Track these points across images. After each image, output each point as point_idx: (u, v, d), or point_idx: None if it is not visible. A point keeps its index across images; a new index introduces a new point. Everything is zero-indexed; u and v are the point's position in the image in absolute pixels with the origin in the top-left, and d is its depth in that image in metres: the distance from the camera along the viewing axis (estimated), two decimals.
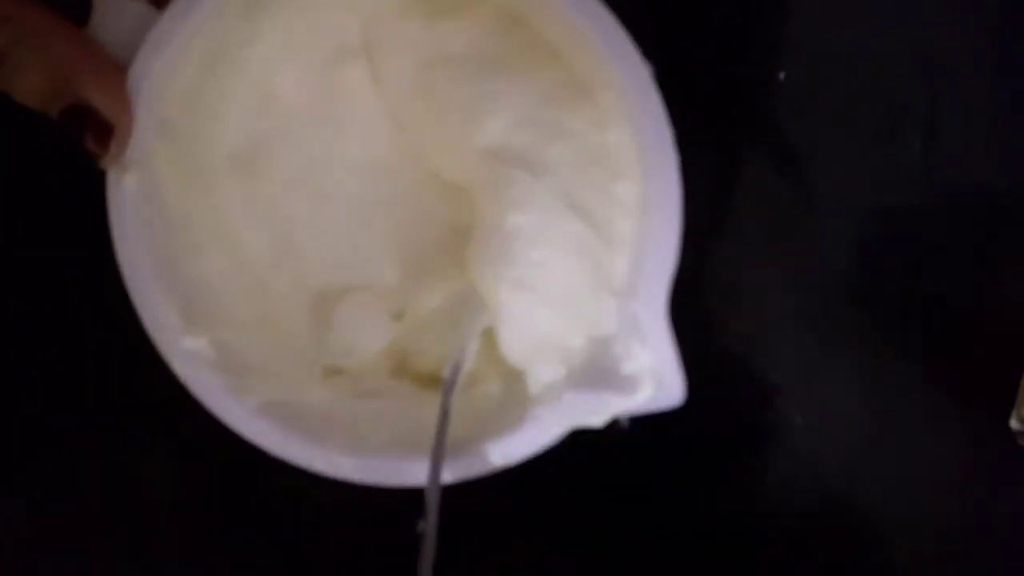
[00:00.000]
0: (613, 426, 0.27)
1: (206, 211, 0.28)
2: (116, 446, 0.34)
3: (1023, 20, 0.33)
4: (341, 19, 0.28)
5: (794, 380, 0.34)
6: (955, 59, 0.33)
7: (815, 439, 0.34)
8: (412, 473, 0.28)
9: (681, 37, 0.33)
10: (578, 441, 0.28)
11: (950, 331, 0.34)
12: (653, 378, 0.27)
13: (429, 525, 0.26)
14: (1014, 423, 0.32)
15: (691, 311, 0.33)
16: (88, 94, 0.25)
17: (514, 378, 0.29)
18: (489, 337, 0.29)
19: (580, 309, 0.29)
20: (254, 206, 0.29)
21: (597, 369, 0.28)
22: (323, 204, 0.29)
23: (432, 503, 0.26)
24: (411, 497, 0.27)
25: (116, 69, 0.26)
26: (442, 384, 0.28)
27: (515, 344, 0.29)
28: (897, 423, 0.34)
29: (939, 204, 0.34)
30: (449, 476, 0.28)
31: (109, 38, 0.26)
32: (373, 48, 0.28)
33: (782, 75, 0.34)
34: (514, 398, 0.29)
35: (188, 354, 0.27)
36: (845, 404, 0.34)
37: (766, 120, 0.34)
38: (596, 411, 0.27)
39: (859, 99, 0.34)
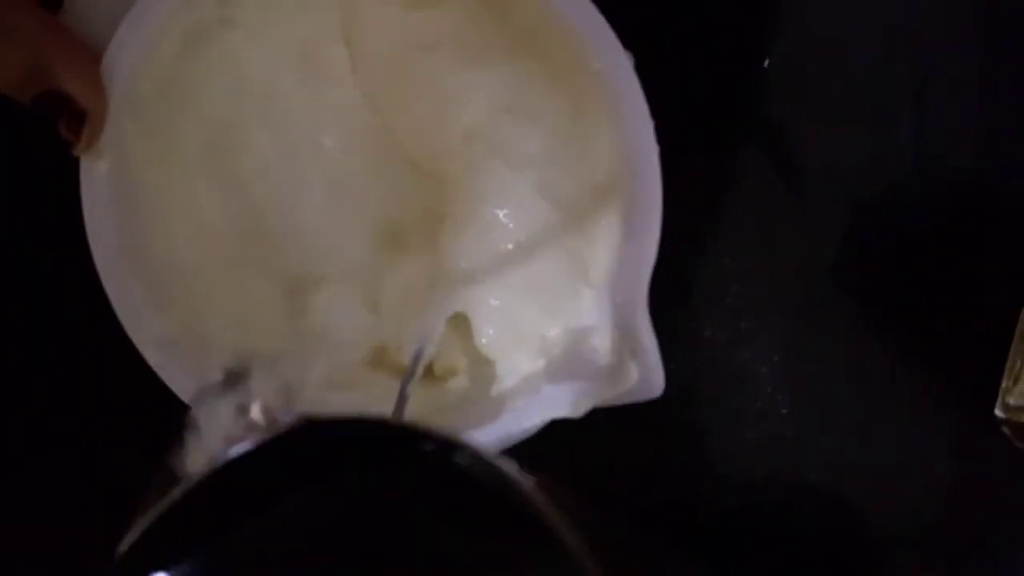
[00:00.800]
0: (592, 415, 0.27)
1: (178, 195, 0.28)
2: (89, 434, 0.34)
3: (1010, 5, 0.33)
4: (320, 4, 0.28)
5: (780, 370, 0.34)
6: (943, 46, 0.33)
7: (801, 429, 0.34)
8: None
9: (665, 25, 0.33)
10: (556, 432, 0.27)
11: (937, 320, 0.34)
12: (632, 369, 0.27)
13: None
14: (999, 411, 0.32)
15: (677, 301, 0.33)
16: (62, 81, 0.25)
17: (489, 369, 0.29)
18: (464, 329, 0.29)
19: (557, 300, 0.28)
20: (226, 191, 0.28)
21: (576, 360, 0.28)
22: (295, 189, 0.29)
23: None
24: None
25: (90, 56, 0.26)
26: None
27: (491, 335, 0.29)
28: (883, 412, 0.34)
29: (926, 193, 0.34)
30: None
31: (84, 21, 0.26)
32: (352, 33, 0.28)
33: (767, 62, 0.33)
34: (489, 389, 0.28)
35: (157, 340, 0.27)
36: (832, 393, 0.34)
37: (751, 108, 0.34)
38: (575, 402, 0.27)
39: (846, 86, 0.34)
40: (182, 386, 0.27)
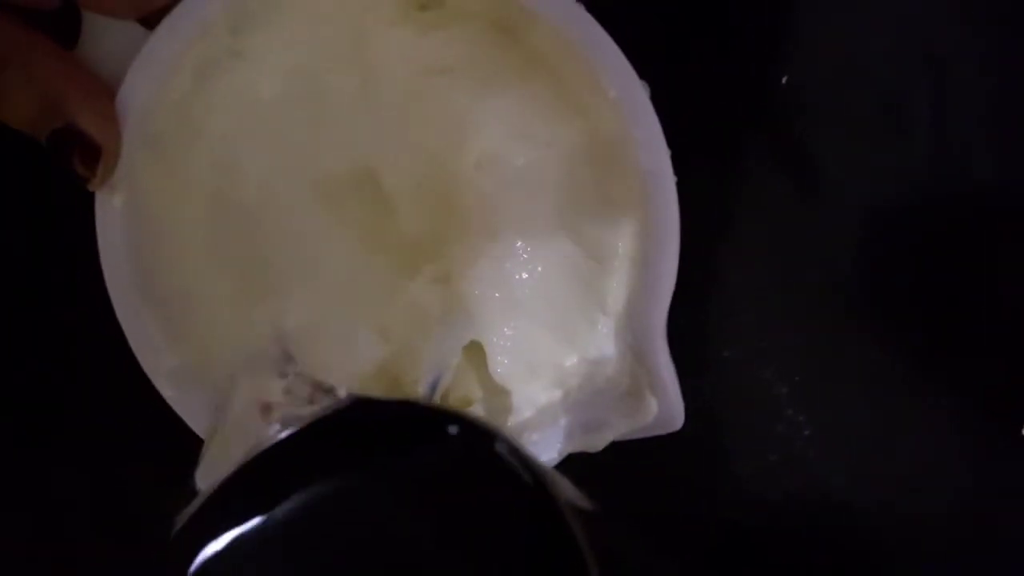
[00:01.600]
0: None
1: (192, 227, 0.28)
2: (102, 465, 0.34)
3: None
4: (329, 32, 0.28)
5: (800, 390, 0.34)
6: (957, 59, 0.33)
7: (823, 450, 0.34)
8: None
9: (682, 44, 0.33)
10: (576, 453, 0.27)
11: (958, 334, 0.33)
12: (652, 403, 0.26)
13: None
14: None
15: (693, 322, 0.33)
16: (76, 116, 0.25)
17: (505, 400, 0.28)
18: (478, 358, 0.29)
19: (573, 330, 0.28)
20: (238, 222, 0.28)
21: (594, 392, 0.27)
22: (306, 220, 0.28)
23: None
24: None
25: (104, 91, 0.26)
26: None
27: (506, 364, 0.28)
28: (906, 430, 0.34)
29: (944, 205, 0.33)
30: None
31: (98, 58, 0.26)
32: (363, 57, 0.28)
33: (784, 79, 0.33)
34: (505, 420, 0.28)
35: (172, 373, 0.27)
36: (853, 413, 0.34)
37: (769, 124, 0.33)
38: (594, 436, 0.27)
39: (862, 101, 0.33)
40: (196, 419, 0.27)
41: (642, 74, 0.26)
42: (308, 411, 0.21)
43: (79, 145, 0.25)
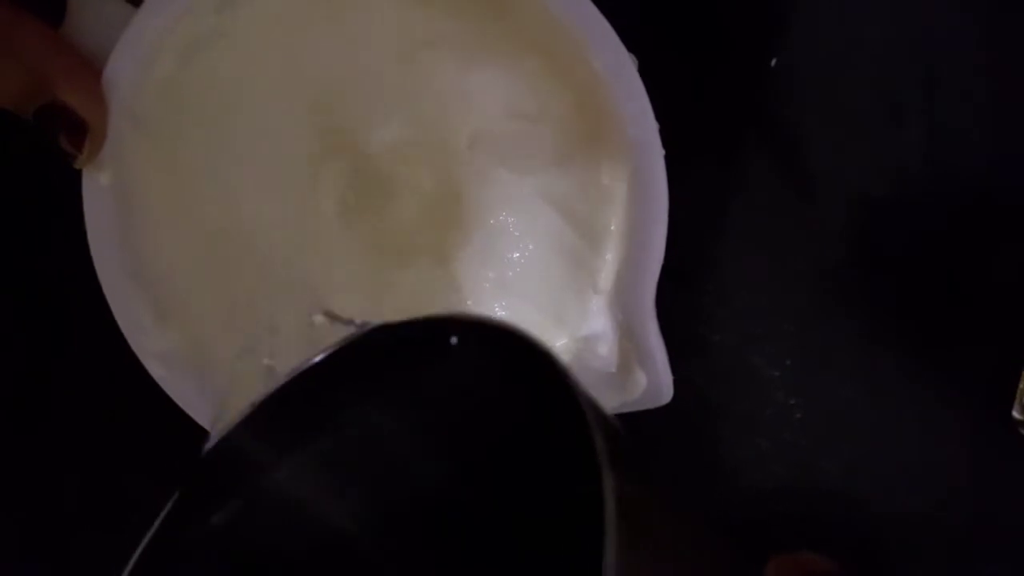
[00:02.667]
0: None
1: (180, 207, 0.28)
2: (91, 445, 0.34)
3: (1021, 5, 0.33)
4: (315, 9, 0.28)
5: (792, 375, 0.34)
6: (951, 46, 0.33)
7: (815, 435, 0.34)
8: None
9: (671, 26, 0.33)
10: None
11: (950, 322, 0.33)
12: (641, 376, 0.26)
13: None
14: (1016, 413, 0.32)
15: (685, 306, 0.33)
16: (63, 93, 0.25)
17: None
18: None
19: (564, 308, 0.28)
20: (228, 202, 0.28)
21: (584, 368, 0.27)
22: (296, 200, 0.29)
23: None
24: None
25: (90, 69, 0.26)
26: None
27: None
28: (898, 416, 0.34)
29: (936, 193, 0.33)
30: None
31: (85, 35, 0.26)
32: (349, 34, 0.28)
33: (774, 61, 0.33)
34: None
35: (161, 353, 0.27)
36: (845, 399, 0.34)
37: (759, 109, 0.33)
38: None
39: (853, 87, 0.33)
40: (186, 399, 0.27)
41: (631, 50, 0.26)
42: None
43: (65, 121, 0.25)
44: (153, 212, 0.28)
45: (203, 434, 0.27)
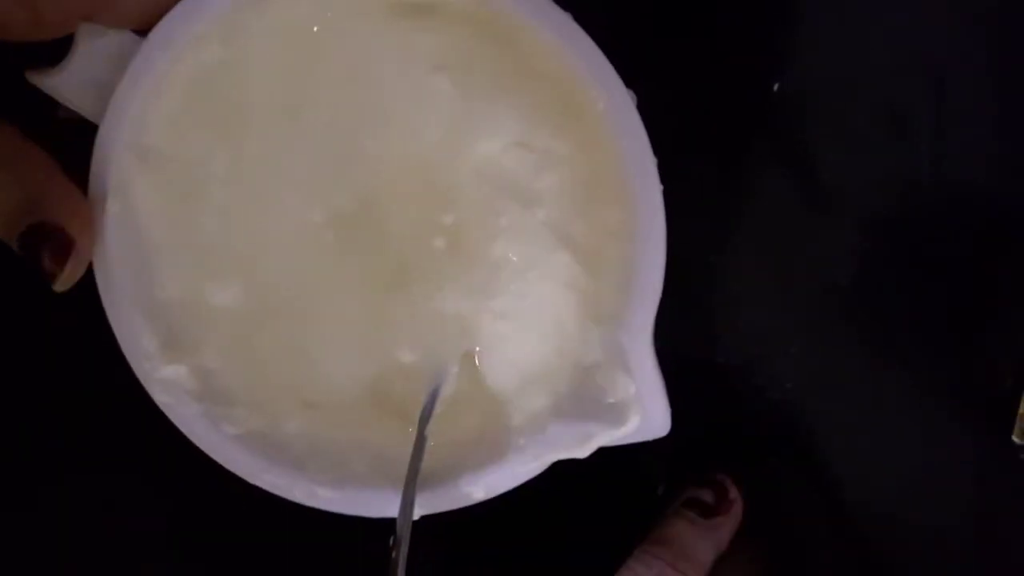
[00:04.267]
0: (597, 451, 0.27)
1: (186, 237, 0.28)
2: (95, 474, 0.34)
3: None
4: (321, 41, 0.28)
5: (795, 397, 0.34)
6: (958, 64, 0.33)
7: (819, 453, 0.34)
8: (394, 504, 0.27)
9: (674, 51, 0.33)
10: (556, 467, 0.27)
11: (954, 344, 0.33)
12: (638, 408, 0.26)
13: (400, 556, 0.25)
14: (1016, 438, 0.32)
15: (688, 328, 0.33)
16: (54, 214, 0.25)
17: (496, 408, 0.29)
18: (471, 367, 0.29)
19: (564, 338, 0.28)
20: (231, 235, 0.28)
21: (582, 399, 0.27)
22: (298, 230, 0.29)
23: (404, 534, 0.26)
24: (394, 528, 0.27)
25: (81, 196, 0.26)
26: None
27: (498, 374, 0.29)
28: (901, 438, 0.34)
29: (942, 213, 0.33)
30: (430, 508, 0.27)
31: (91, 67, 0.26)
32: (356, 64, 0.28)
33: (776, 86, 0.33)
34: (496, 428, 0.28)
35: (167, 382, 0.27)
36: (848, 421, 0.34)
37: (762, 132, 0.33)
38: (581, 442, 0.27)
39: (859, 107, 0.33)
40: (190, 426, 0.28)
41: (632, 81, 0.26)
42: None
43: (53, 240, 0.25)
44: (160, 243, 0.28)
45: (207, 466, 0.27)
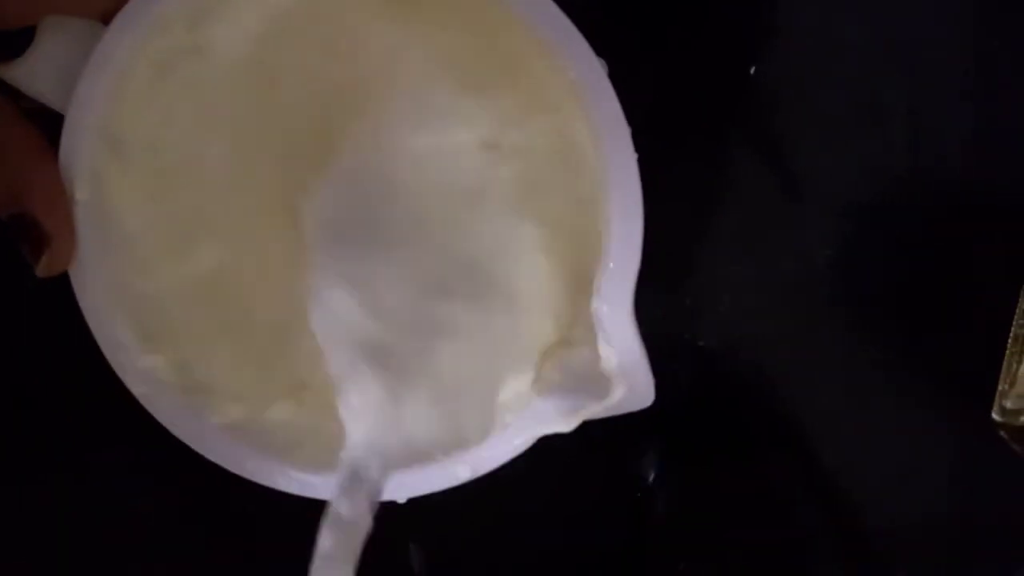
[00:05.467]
0: (582, 429, 0.27)
1: (161, 224, 0.28)
2: (77, 469, 0.34)
3: (999, 9, 0.33)
4: (292, 26, 0.28)
5: (776, 378, 0.34)
6: (935, 49, 0.33)
7: (798, 436, 0.34)
8: (387, 488, 0.27)
9: (650, 33, 0.33)
10: (542, 446, 0.27)
11: (932, 325, 0.33)
12: (621, 380, 0.26)
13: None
14: (995, 415, 0.32)
15: (669, 311, 0.33)
16: (34, 209, 0.25)
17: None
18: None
19: (544, 312, 0.28)
20: (202, 223, 0.28)
21: (565, 373, 0.27)
22: (271, 210, 0.28)
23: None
24: (388, 513, 0.27)
25: (63, 190, 0.26)
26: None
27: (478, 350, 0.28)
28: (881, 419, 0.34)
29: (919, 196, 0.33)
30: (415, 490, 0.27)
31: (56, 56, 0.26)
32: (330, 51, 0.28)
33: (752, 69, 0.33)
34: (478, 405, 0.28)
35: (145, 374, 0.27)
36: (828, 402, 0.34)
37: (740, 115, 0.33)
38: (566, 415, 0.27)
39: (836, 92, 0.33)
40: (169, 416, 0.27)
41: (609, 60, 0.26)
42: None
43: (31, 233, 0.25)
44: (132, 232, 0.27)
45: (184, 452, 0.27)
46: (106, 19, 0.26)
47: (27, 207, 0.25)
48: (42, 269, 0.26)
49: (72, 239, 0.26)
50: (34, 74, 0.26)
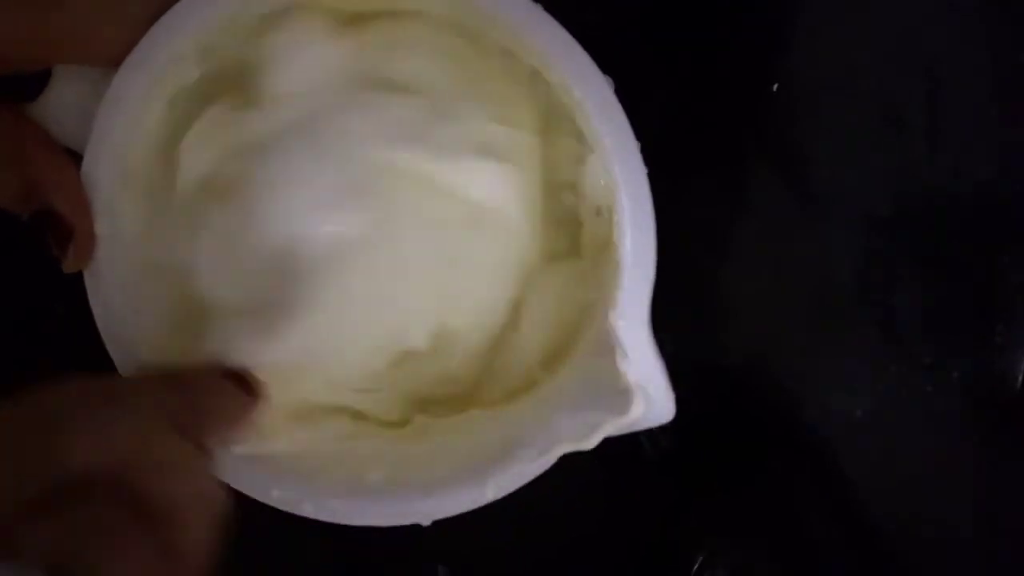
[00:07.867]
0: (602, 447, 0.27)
1: (179, 255, 0.28)
2: None
3: (1019, 21, 0.33)
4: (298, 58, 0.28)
5: (799, 390, 0.33)
6: (954, 64, 0.33)
7: (823, 448, 0.33)
8: (410, 511, 0.27)
9: (672, 52, 0.33)
10: (564, 464, 0.27)
11: (956, 338, 0.33)
12: (641, 396, 0.26)
13: None
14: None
15: (689, 328, 0.33)
16: (52, 200, 0.26)
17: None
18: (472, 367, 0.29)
19: (564, 329, 0.28)
20: (223, 251, 0.28)
21: (585, 389, 0.27)
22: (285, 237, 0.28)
23: None
24: (414, 535, 0.27)
25: (79, 180, 0.27)
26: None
27: (498, 366, 0.28)
28: (905, 434, 0.33)
29: (940, 211, 0.33)
30: (441, 512, 0.27)
31: (70, 97, 0.27)
32: (323, 77, 0.28)
33: (775, 86, 0.33)
34: (499, 420, 0.28)
35: None
36: (851, 418, 0.33)
37: (761, 132, 0.33)
38: (587, 432, 0.27)
39: (856, 108, 0.33)
40: None
41: (630, 81, 0.26)
42: None
43: (54, 227, 0.26)
44: (152, 262, 0.28)
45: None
46: (116, 63, 0.26)
47: (51, 202, 0.26)
48: (69, 262, 0.27)
49: (92, 233, 0.27)
50: (49, 115, 0.27)
